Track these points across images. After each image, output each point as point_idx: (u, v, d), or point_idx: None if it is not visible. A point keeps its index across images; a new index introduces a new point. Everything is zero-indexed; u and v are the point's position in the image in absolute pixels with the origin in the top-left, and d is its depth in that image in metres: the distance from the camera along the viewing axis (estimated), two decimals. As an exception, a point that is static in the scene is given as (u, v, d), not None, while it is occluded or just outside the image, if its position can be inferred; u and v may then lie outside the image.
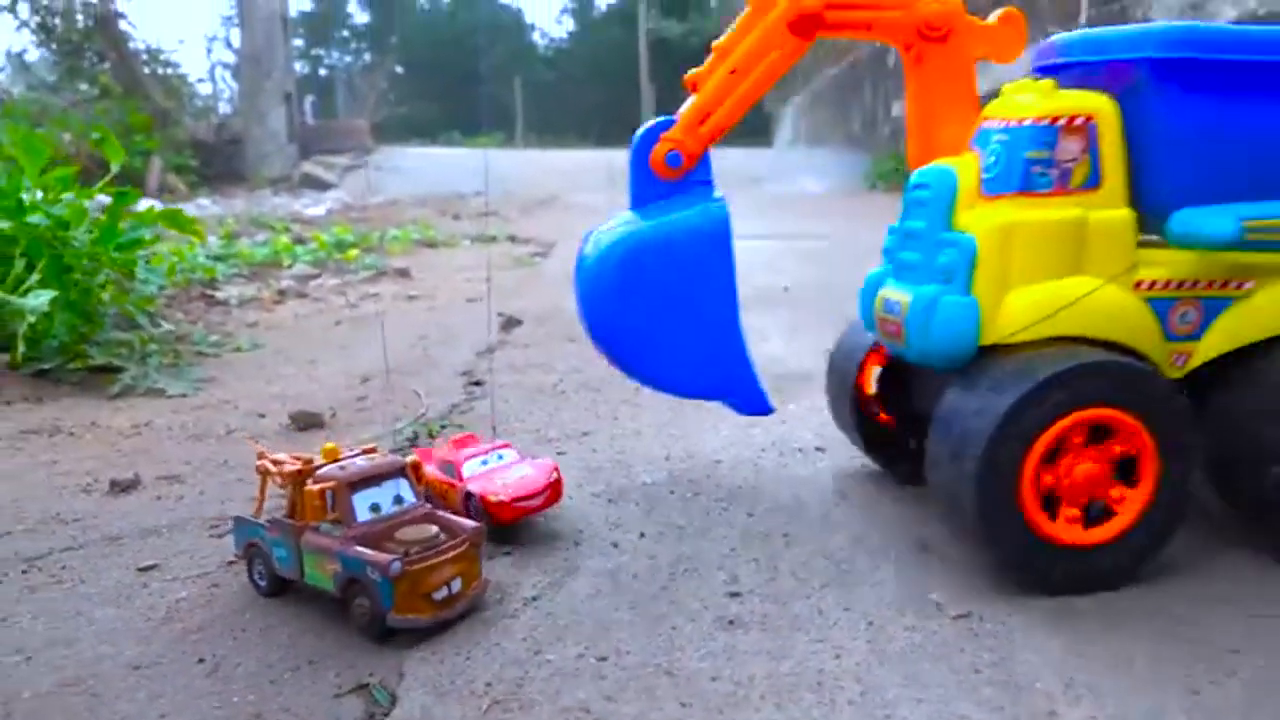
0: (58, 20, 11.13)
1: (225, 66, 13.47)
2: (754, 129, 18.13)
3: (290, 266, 3.99)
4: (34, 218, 2.19)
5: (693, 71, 1.25)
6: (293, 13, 13.01)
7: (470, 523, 1.05)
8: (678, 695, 0.87)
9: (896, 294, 1.15)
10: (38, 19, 11.04)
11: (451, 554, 1.00)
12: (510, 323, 2.72)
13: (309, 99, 14.50)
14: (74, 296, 2.22)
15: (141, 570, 1.17)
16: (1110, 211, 1.07)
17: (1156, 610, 1.01)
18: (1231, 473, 1.12)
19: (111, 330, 2.37)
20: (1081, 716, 0.83)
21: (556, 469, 1.25)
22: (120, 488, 1.45)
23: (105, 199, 2.43)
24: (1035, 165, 1.06)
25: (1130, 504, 1.04)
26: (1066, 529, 1.03)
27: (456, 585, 1.00)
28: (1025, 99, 1.09)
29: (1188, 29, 1.04)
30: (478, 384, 2.04)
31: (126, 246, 2.33)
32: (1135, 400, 1.01)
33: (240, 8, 11.69)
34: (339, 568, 1.00)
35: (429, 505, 1.09)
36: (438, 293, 3.39)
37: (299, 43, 21.77)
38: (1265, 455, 1.07)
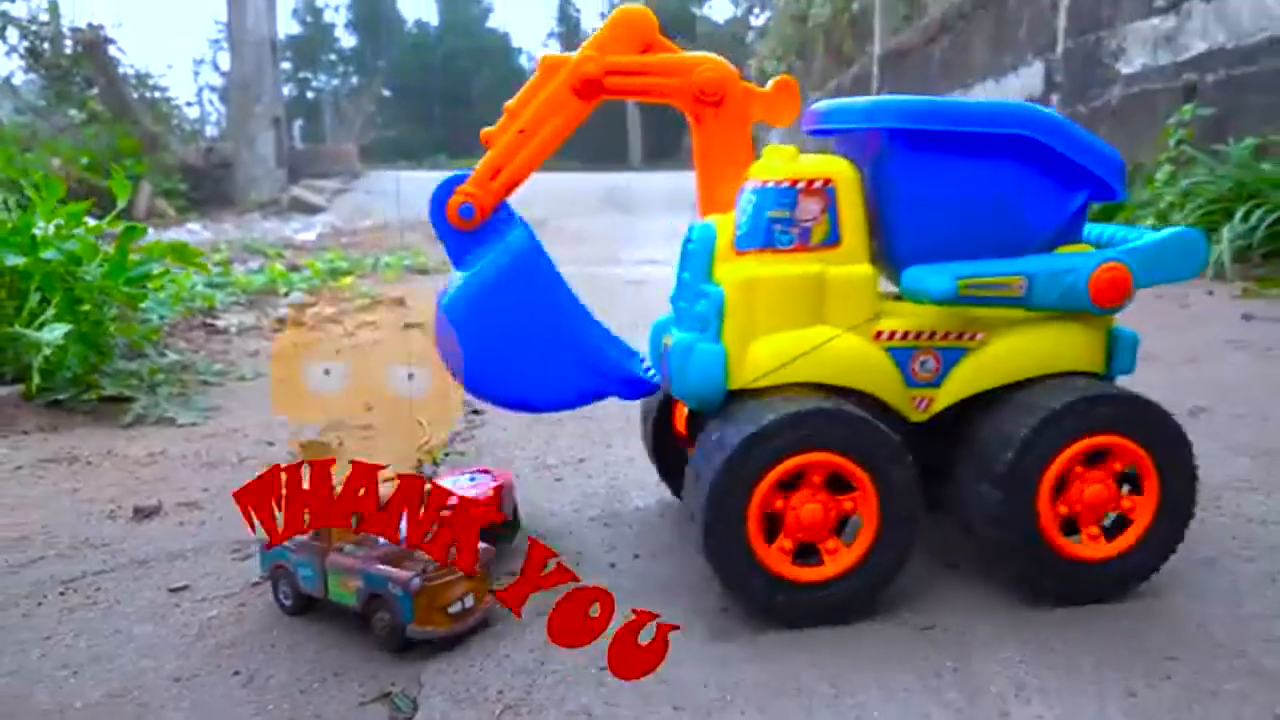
0: (46, 45, 11.23)
1: (213, 90, 13.60)
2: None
3: (287, 295, 4.08)
4: (48, 253, 2.29)
5: (486, 130, 1.33)
6: (280, 35, 13.11)
7: (481, 545, 1.15)
8: (671, 700, 0.97)
9: (669, 339, 1.26)
10: (26, 44, 11.13)
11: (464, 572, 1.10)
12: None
13: (297, 122, 14.62)
14: (86, 329, 2.31)
15: (173, 591, 1.26)
16: (849, 267, 1.16)
17: (1103, 621, 1.11)
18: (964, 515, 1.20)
19: (119, 361, 2.46)
20: (1031, 716, 0.93)
21: (499, 489, 1.34)
22: (144, 514, 1.54)
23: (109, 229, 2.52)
24: (777, 224, 1.15)
25: (841, 555, 1.11)
26: (780, 561, 1.10)
27: (470, 601, 1.10)
28: (774, 162, 1.18)
29: (918, 102, 1.13)
30: (477, 412, 2.14)
31: (136, 280, 2.43)
32: (855, 445, 1.09)
33: (228, 32, 11.84)
34: (362, 584, 1.10)
35: None
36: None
37: (286, 66, 21.88)
38: (978, 500, 1.15)
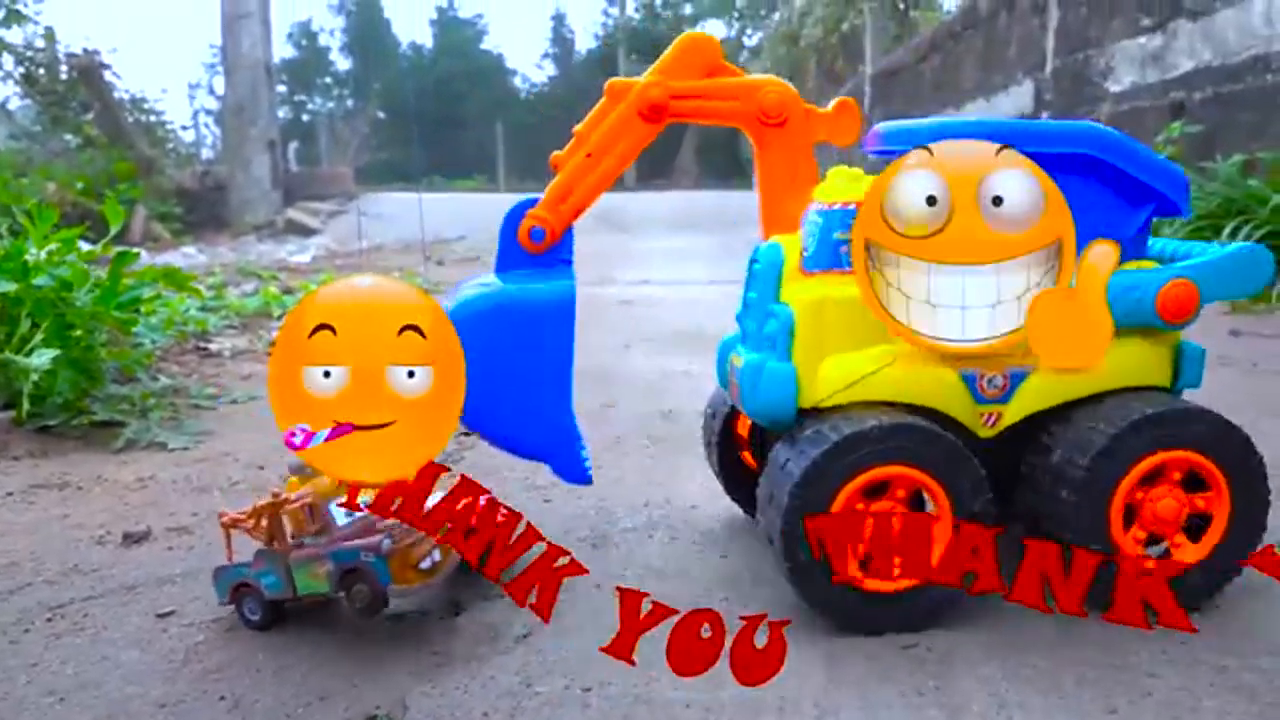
0: (42, 70, 11.29)
1: (209, 114, 13.66)
2: (732, 170, 18.40)
3: (280, 317, 4.09)
4: (39, 280, 2.30)
5: (556, 154, 1.36)
6: (275, 59, 13.19)
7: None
8: (654, 719, 0.97)
9: (738, 358, 1.28)
10: (22, 69, 11.19)
11: None
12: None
13: (292, 145, 14.67)
14: (76, 354, 2.32)
15: (160, 616, 1.26)
16: None
17: (1086, 639, 1.12)
18: (1036, 523, 1.21)
19: (111, 386, 2.46)
20: (1012, 733, 0.94)
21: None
22: (133, 539, 1.54)
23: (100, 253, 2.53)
24: (844, 245, 1.17)
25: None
26: (854, 571, 1.11)
27: (437, 555, 1.17)
28: (839, 184, 1.20)
29: (985, 124, 1.15)
30: (467, 434, 2.14)
31: (127, 305, 2.43)
32: (926, 458, 1.11)
33: (223, 56, 11.88)
34: (332, 566, 1.14)
35: None
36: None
37: (281, 89, 22.00)
38: (1054, 513, 1.16)
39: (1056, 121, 1.18)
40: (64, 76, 11.27)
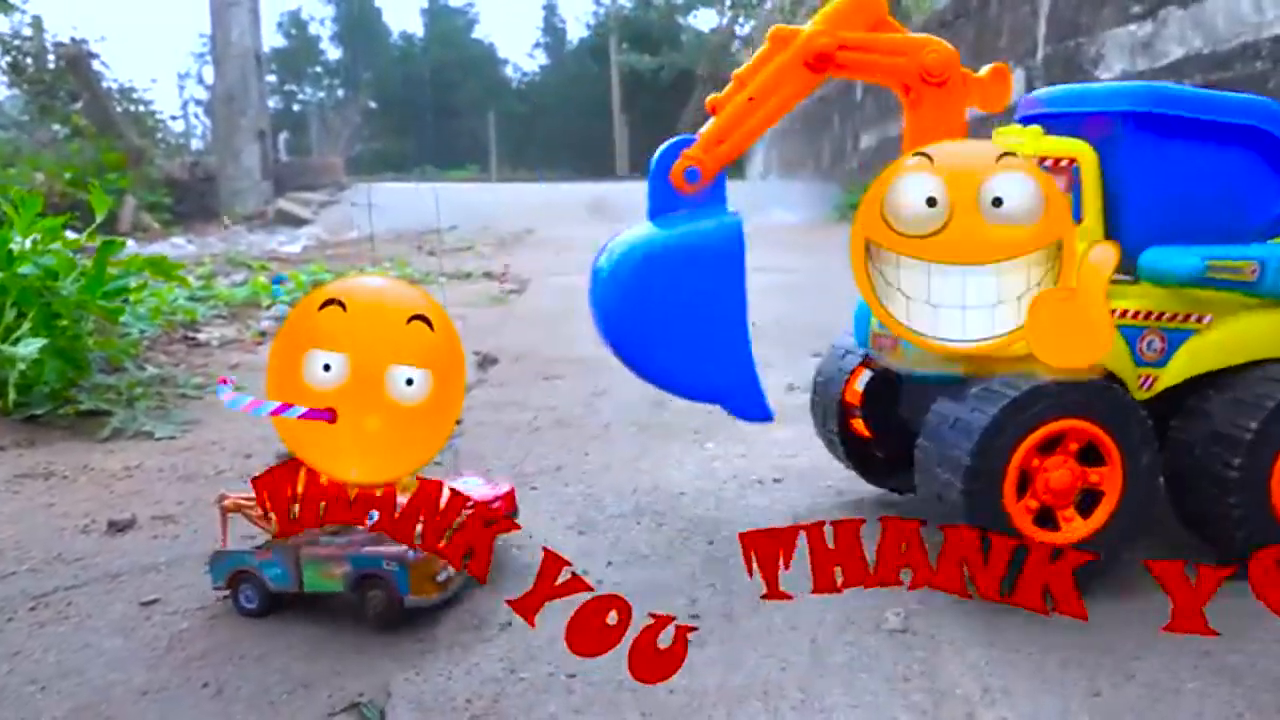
0: (29, 60, 11.21)
1: (199, 104, 13.59)
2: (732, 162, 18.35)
3: (269, 307, 4.07)
4: (24, 269, 2.28)
5: (713, 96, 1.35)
6: (265, 48, 13.11)
7: None
8: (639, 707, 0.97)
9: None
10: (9, 59, 11.11)
11: None
12: (486, 361, 2.82)
13: (282, 135, 14.61)
14: (63, 344, 2.30)
15: (144, 604, 1.26)
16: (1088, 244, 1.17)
17: (1071, 624, 1.11)
18: (1181, 487, 1.24)
19: (98, 375, 2.45)
20: (996, 717, 0.94)
21: (510, 494, 1.42)
22: (118, 528, 1.53)
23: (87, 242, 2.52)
24: None
25: (1076, 525, 1.16)
26: (1023, 521, 1.14)
27: (450, 570, 1.16)
28: (1017, 141, 1.21)
29: (1159, 88, 1.19)
30: (458, 421, 2.14)
31: (113, 294, 2.42)
32: (1099, 411, 1.13)
33: (213, 46, 11.82)
34: (350, 569, 1.14)
35: None
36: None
37: (272, 79, 21.89)
38: (1208, 474, 1.19)
39: (1227, 93, 1.20)
40: (52, 66, 11.19)
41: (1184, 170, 1.21)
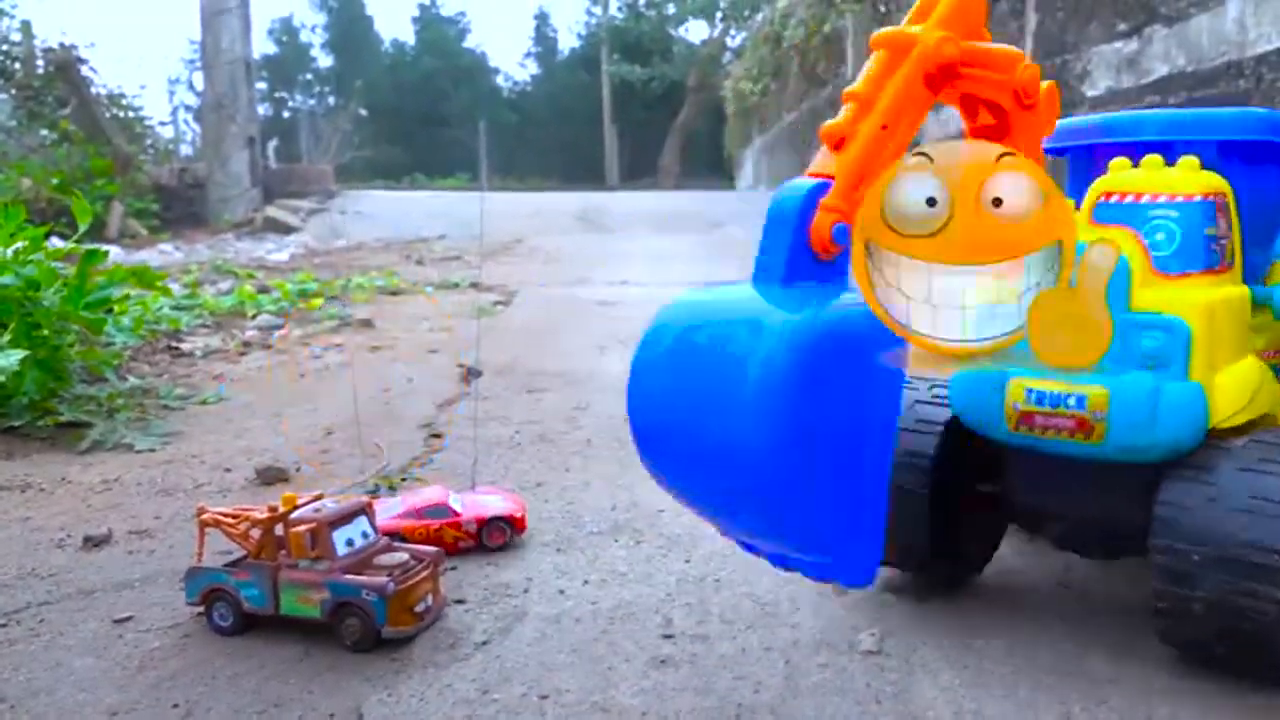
0: (17, 65, 11.17)
1: (189, 110, 13.55)
2: (714, 170, 18.43)
3: (254, 317, 4.06)
4: (5, 279, 2.27)
5: (831, 123, 1.00)
6: (255, 55, 13.10)
7: (430, 549, 1.23)
8: (611, 729, 0.97)
9: (1059, 385, 1.06)
10: (-4, 64, 11.07)
11: (425, 574, 1.18)
12: (470, 374, 2.81)
13: (272, 142, 14.58)
14: (44, 354, 2.29)
15: (116, 622, 1.25)
16: (1244, 287, 1.11)
17: (1046, 646, 1.12)
18: None
19: (79, 386, 2.43)
20: (967, 741, 0.94)
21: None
22: (93, 543, 1.52)
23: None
24: (1214, 241, 1.07)
25: None
26: None
27: (430, 600, 1.17)
28: (1177, 175, 1.09)
29: (1255, 114, 1.14)
30: (437, 436, 2.14)
31: (95, 305, 2.41)
32: None
33: (203, 51, 11.79)
34: (328, 595, 1.14)
35: (386, 539, 1.26)
36: (400, 344, 3.48)
37: (261, 85, 21.87)
38: None
39: (1242, 109, 1.15)
40: (40, 71, 11.15)
41: None
